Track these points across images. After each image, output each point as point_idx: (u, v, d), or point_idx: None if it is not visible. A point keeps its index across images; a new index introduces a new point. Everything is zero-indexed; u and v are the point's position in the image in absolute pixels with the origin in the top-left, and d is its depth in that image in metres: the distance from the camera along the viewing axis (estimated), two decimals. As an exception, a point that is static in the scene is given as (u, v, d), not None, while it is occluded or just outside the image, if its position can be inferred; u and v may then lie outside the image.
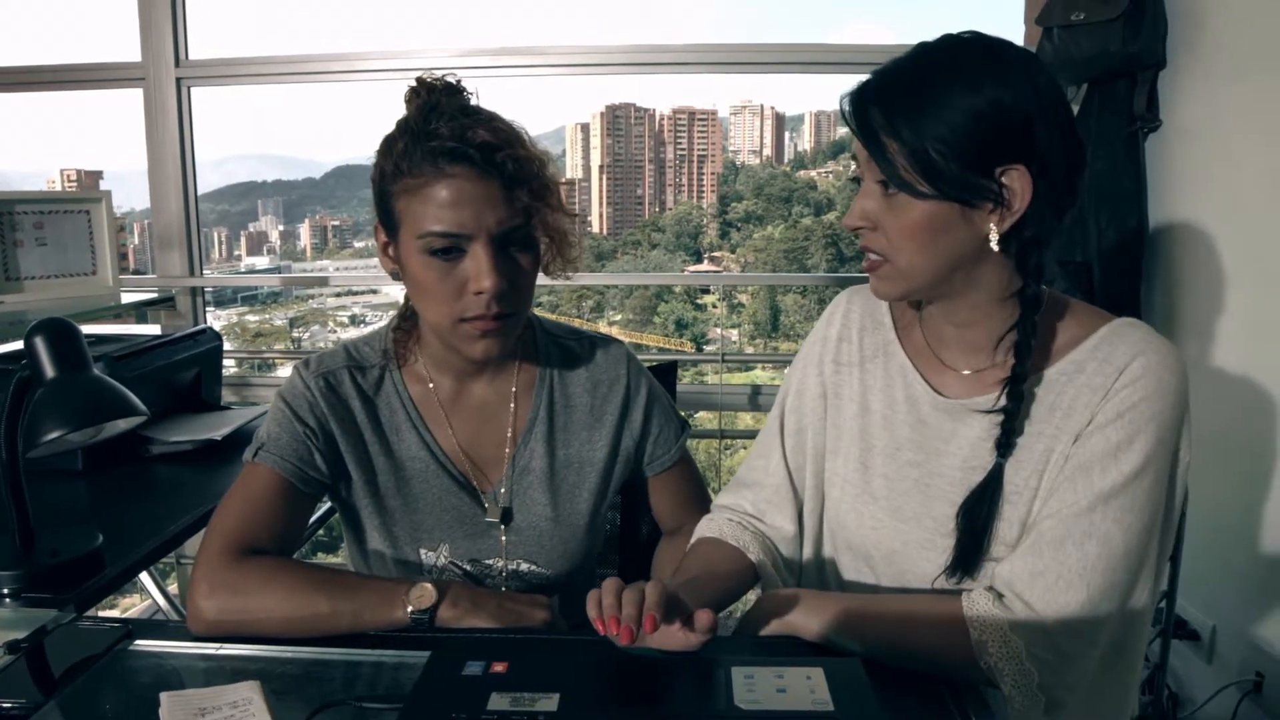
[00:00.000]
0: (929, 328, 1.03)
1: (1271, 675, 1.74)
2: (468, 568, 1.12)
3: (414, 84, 1.03)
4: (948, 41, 0.91)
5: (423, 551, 1.11)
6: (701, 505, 1.24)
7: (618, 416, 1.17)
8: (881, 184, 0.90)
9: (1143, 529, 0.89)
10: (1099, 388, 0.91)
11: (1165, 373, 0.90)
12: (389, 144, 1.00)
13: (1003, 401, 0.93)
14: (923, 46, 0.91)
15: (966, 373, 1.00)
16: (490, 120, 0.99)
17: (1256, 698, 1.76)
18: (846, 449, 1.06)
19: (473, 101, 1.03)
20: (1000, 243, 0.90)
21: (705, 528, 1.12)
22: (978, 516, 0.93)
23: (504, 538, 1.12)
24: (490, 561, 1.12)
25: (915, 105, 0.87)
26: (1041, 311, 0.93)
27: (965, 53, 0.89)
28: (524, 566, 1.13)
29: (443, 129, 0.96)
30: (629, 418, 1.18)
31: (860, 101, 0.90)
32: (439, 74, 1.03)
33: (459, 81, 1.03)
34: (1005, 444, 0.93)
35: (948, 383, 1.01)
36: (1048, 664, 0.87)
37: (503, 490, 1.13)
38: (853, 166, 0.94)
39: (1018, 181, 0.87)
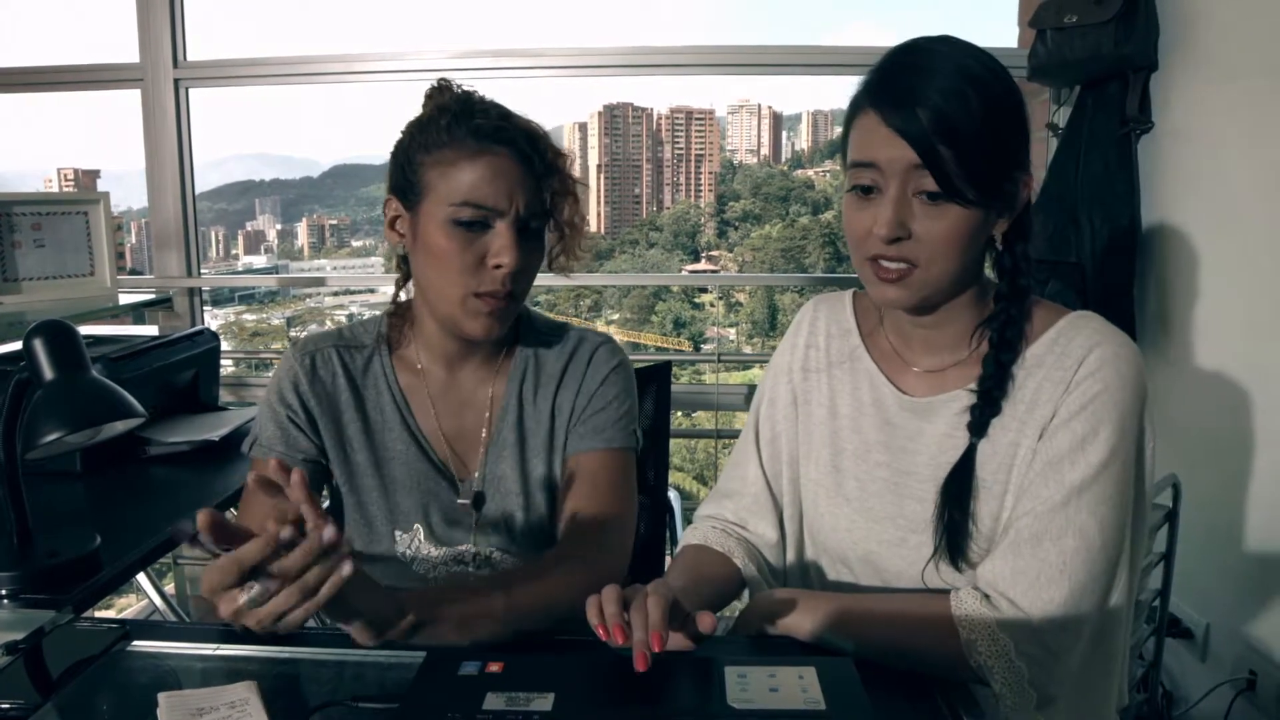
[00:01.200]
0: (894, 330, 1.05)
1: (1264, 673, 1.75)
2: (441, 552, 1.13)
3: (436, 83, 1.09)
4: (953, 44, 0.91)
5: (397, 534, 1.12)
6: (606, 538, 1.07)
7: (570, 407, 1.14)
8: (924, 193, 0.88)
9: (1117, 518, 0.90)
10: (1059, 381, 0.93)
11: (1122, 363, 0.92)
12: (424, 122, 1.05)
13: (981, 387, 0.96)
14: (929, 47, 0.91)
15: (931, 371, 1.01)
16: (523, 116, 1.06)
17: (1250, 696, 1.77)
18: (818, 454, 1.08)
19: None
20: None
21: (690, 536, 1.13)
22: (959, 494, 0.95)
23: (475, 523, 1.13)
24: (463, 548, 1.13)
25: (963, 111, 0.86)
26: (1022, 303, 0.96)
27: (979, 56, 0.90)
28: (496, 554, 1.14)
29: (490, 111, 1.03)
30: (576, 403, 1.14)
31: (906, 106, 0.87)
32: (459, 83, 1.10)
33: (475, 91, 1.09)
34: (979, 425, 0.95)
35: (913, 383, 1.03)
36: (1036, 660, 0.87)
37: (477, 476, 1.14)
38: (864, 174, 0.91)
39: (1026, 183, 0.92)
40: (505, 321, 1.07)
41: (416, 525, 1.12)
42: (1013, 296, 0.95)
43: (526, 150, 1.02)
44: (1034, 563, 0.89)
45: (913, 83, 0.88)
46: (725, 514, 1.13)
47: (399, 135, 1.08)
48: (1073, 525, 0.89)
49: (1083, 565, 0.88)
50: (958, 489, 0.95)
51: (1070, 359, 0.93)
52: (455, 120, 1.02)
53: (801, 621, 0.93)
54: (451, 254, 1.02)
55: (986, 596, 0.91)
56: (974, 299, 0.98)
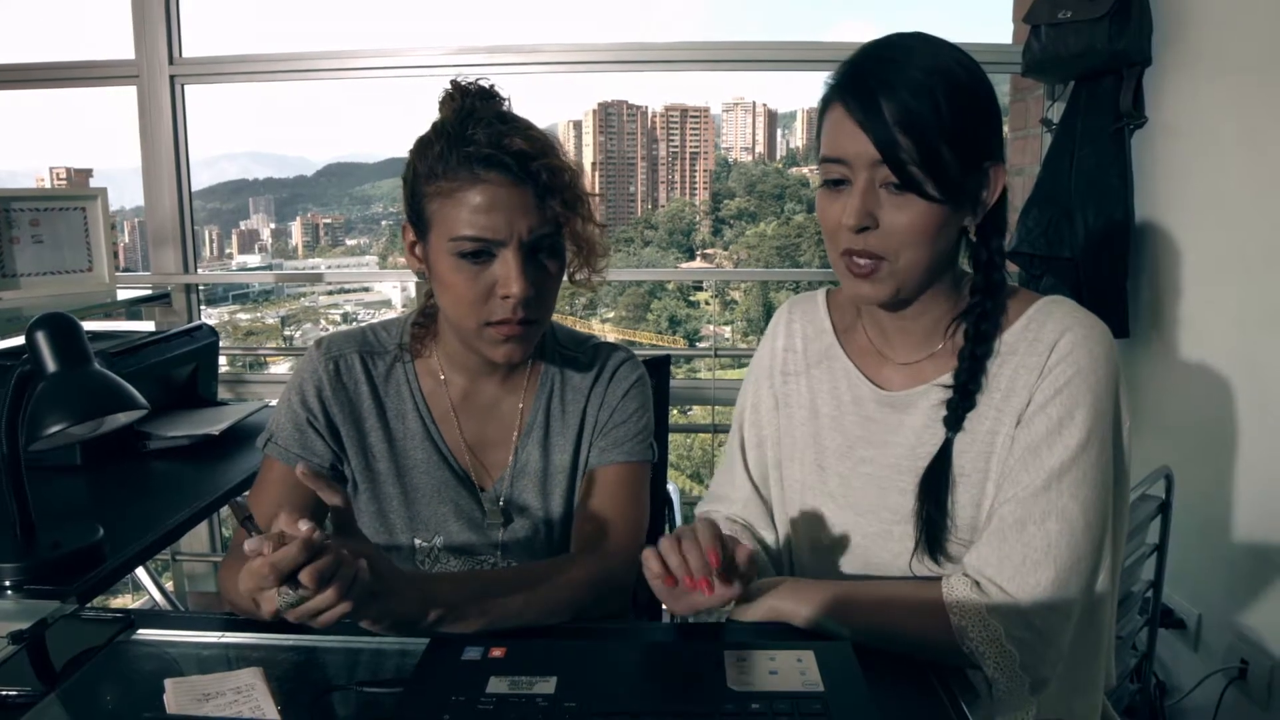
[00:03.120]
0: (871, 324, 1.06)
1: (1256, 662, 1.76)
2: (460, 561, 1.13)
3: (449, 87, 1.04)
4: (924, 39, 0.93)
5: (417, 542, 1.13)
6: (619, 545, 1.08)
7: (594, 421, 1.16)
8: (888, 184, 0.90)
9: (1097, 499, 0.92)
10: (1033, 367, 0.94)
11: (1093, 344, 0.93)
12: (424, 146, 1.01)
13: (955, 381, 0.97)
14: (899, 42, 0.92)
15: (907, 364, 1.03)
16: (526, 128, 1.00)
17: (1241, 684, 1.79)
18: (802, 453, 1.09)
19: (506, 106, 1.04)
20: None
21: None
22: (935, 488, 0.96)
23: (501, 536, 1.14)
24: (483, 558, 1.14)
25: (927, 103, 0.87)
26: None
27: (949, 51, 0.91)
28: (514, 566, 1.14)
29: (479, 135, 0.97)
30: (599, 417, 1.15)
31: (870, 99, 0.89)
32: (473, 77, 1.04)
33: (493, 86, 1.04)
34: (955, 418, 0.96)
35: (890, 377, 1.04)
36: (1027, 644, 0.89)
37: (503, 487, 1.14)
38: (833, 169, 0.92)
39: (997, 176, 0.93)
40: (527, 345, 1.04)
41: (436, 535, 1.13)
42: (987, 290, 0.97)
43: (521, 174, 0.97)
44: (1019, 548, 0.90)
45: (879, 77, 0.89)
46: (721, 512, 1.16)
47: (408, 155, 1.03)
48: (1055, 509, 0.90)
49: (1067, 548, 0.90)
50: (934, 485, 0.96)
51: (1042, 344, 0.94)
52: (449, 146, 0.98)
53: (799, 608, 0.95)
54: (459, 286, 1.00)
55: (977, 583, 0.92)
56: (948, 290, 0.99)
